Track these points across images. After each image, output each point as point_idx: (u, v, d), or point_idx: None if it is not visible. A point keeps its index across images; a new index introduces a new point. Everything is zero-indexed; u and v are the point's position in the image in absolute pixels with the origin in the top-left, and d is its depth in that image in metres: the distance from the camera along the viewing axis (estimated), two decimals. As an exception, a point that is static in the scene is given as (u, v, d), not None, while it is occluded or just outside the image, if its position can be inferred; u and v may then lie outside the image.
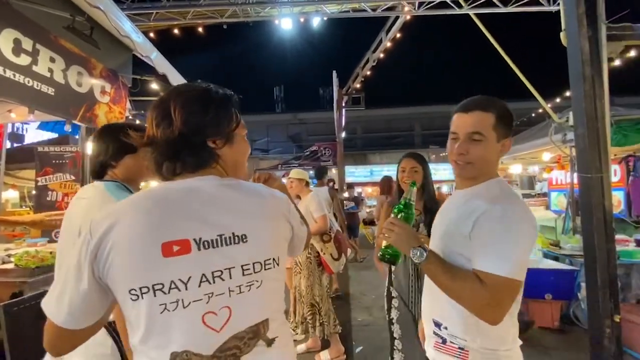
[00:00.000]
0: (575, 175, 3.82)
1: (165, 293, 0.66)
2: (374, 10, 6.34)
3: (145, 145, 0.77)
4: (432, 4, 6.13)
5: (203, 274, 0.68)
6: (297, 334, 2.95)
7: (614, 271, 1.87)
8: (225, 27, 6.76)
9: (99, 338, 1.06)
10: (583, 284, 2.90)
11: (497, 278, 0.88)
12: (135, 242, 0.67)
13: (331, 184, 9.44)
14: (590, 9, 1.86)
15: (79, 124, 2.74)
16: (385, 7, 6.33)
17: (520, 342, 1.03)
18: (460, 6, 6.08)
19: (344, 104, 9.61)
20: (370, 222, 10.10)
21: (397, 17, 6.57)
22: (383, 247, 1.09)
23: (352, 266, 6.41)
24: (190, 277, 0.67)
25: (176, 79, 3.35)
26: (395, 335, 1.94)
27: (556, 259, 3.64)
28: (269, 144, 19.07)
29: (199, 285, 0.68)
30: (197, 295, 0.68)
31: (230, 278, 0.70)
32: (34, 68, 2.13)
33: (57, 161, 3.43)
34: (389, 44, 7.23)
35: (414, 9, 6.18)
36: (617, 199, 4.14)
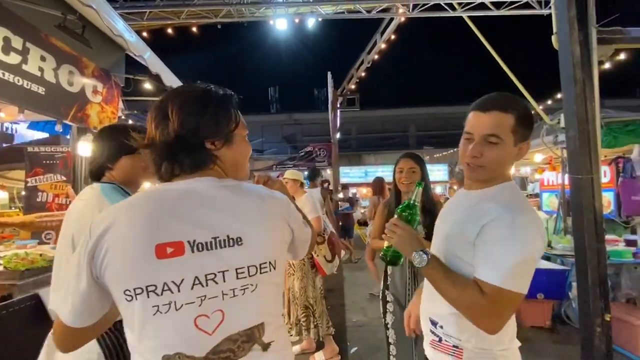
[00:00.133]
0: (566, 176, 3.87)
1: (158, 295, 0.66)
2: (368, 11, 6.37)
3: (145, 147, 0.76)
4: (426, 7, 6.17)
5: (196, 277, 0.68)
6: (291, 335, 2.94)
7: (604, 271, 1.90)
8: (219, 27, 6.73)
9: (87, 344, 1.06)
10: (574, 284, 2.94)
11: (497, 289, 0.85)
12: (130, 243, 0.67)
13: (326, 184, 9.46)
14: (581, 12, 1.89)
15: (70, 124, 2.70)
16: (380, 8, 6.35)
17: (518, 343, 1.01)
18: (453, 9, 6.13)
19: (338, 105, 9.63)
20: (364, 223, 10.11)
21: (391, 19, 6.60)
22: (385, 248, 1.08)
23: (346, 267, 6.41)
24: (183, 280, 0.67)
25: (170, 79, 3.32)
26: (390, 340, 1.91)
27: (548, 258, 3.68)
28: (263, 144, 19.02)
29: (192, 288, 0.67)
30: (189, 298, 0.67)
31: (224, 281, 0.69)
32: (24, 67, 2.09)
33: (48, 162, 3.37)
34: (383, 46, 7.26)
35: (408, 11, 6.21)
36: (607, 199, 4.21)
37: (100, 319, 0.73)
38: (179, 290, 0.67)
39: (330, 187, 9.39)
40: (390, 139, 19.18)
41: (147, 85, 3.75)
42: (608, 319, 1.90)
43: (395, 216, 1.05)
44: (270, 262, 0.75)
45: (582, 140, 1.87)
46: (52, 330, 1.15)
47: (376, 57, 7.69)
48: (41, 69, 2.23)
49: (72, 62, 2.50)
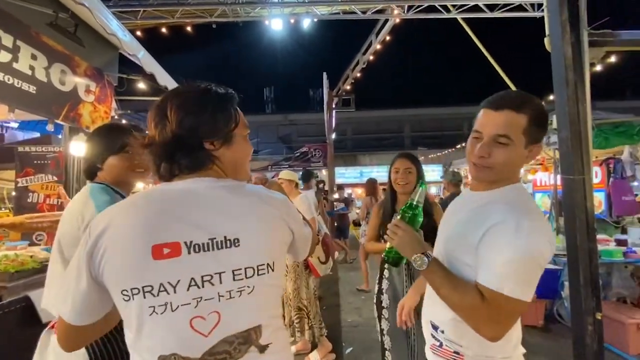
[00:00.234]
0: (558, 176, 3.92)
1: (154, 295, 0.66)
2: (363, 12, 6.38)
3: (145, 147, 0.76)
4: (421, 8, 6.21)
5: (192, 278, 0.68)
6: (286, 336, 2.94)
7: (595, 270, 1.93)
8: (214, 26, 6.69)
9: None
10: (566, 283, 2.98)
11: (497, 295, 0.82)
12: (127, 244, 0.67)
13: (321, 185, 9.46)
14: (573, 15, 1.91)
15: (62, 123, 2.66)
16: (375, 10, 6.37)
17: (523, 350, 0.98)
18: (448, 10, 6.18)
19: (334, 106, 9.64)
20: (359, 224, 10.14)
21: (386, 20, 6.63)
22: (387, 249, 1.07)
23: (341, 267, 6.42)
24: (179, 281, 0.67)
25: (164, 78, 3.29)
26: (385, 346, 1.85)
27: (541, 258, 3.71)
28: (258, 144, 18.94)
29: (188, 289, 0.67)
30: (185, 299, 0.67)
31: (221, 283, 0.69)
32: (15, 65, 2.06)
33: (39, 162, 3.32)
34: (378, 47, 7.28)
35: (403, 12, 6.24)
36: (598, 199, 4.27)
37: (103, 317, 0.73)
38: (175, 291, 0.67)
39: (326, 188, 9.39)
40: (385, 139, 19.23)
41: (141, 85, 3.71)
42: (599, 318, 1.92)
43: (398, 217, 1.03)
44: (268, 264, 0.74)
45: (574, 141, 1.89)
46: (44, 331, 1.16)
47: (371, 58, 7.71)
48: (32, 68, 2.19)
49: (64, 60, 2.46)
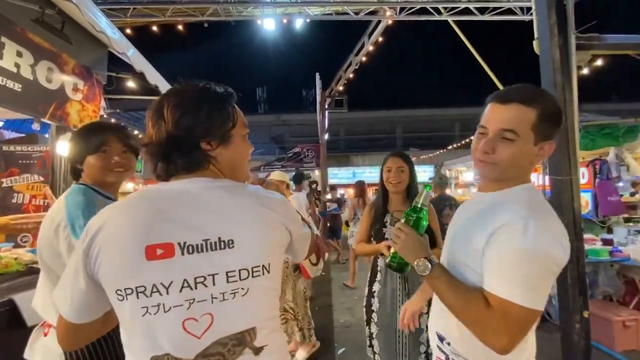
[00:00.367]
0: (546, 177, 3.99)
1: (147, 296, 0.66)
2: (356, 13, 6.41)
3: (143, 146, 0.76)
4: (413, 10, 6.26)
5: (185, 279, 0.67)
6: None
7: (582, 269, 1.97)
8: (206, 25, 6.64)
9: (54, 350, 1.11)
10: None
11: (504, 302, 0.76)
12: (121, 243, 0.67)
13: (314, 185, 9.45)
14: (561, 19, 1.95)
15: (48, 122, 2.60)
16: (368, 11, 6.40)
17: None
18: (440, 13, 6.24)
19: (327, 106, 9.65)
20: (352, 224, 10.16)
21: (379, 22, 6.67)
22: (391, 254, 1.03)
23: (334, 267, 6.42)
24: (172, 282, 0.66)
25: (154, 77, 3.24)
26: (375, 349, 1.80)
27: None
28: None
29: (180, 291, 0.67)
30: (178, 301, 0.67)
31: (214, 284, 0.68)
32: (-1, 62, 2.01)
33: (24, 161, 3.23)
34: (371, 48, 7.32)
35: (395, 14, 6.29)
36: (585, 200, 4.35)
37: (102, 316, 0.73)
38: (167, 293, 0.66)
39: (319, 188, 9.39)
40: (378, 140, 19.33)
41: (131, 84, 3.66)
42: (587, 316, 1.96)
43: (402, 220, 1.00)
44: (263, 266, 0.72)
45: (561, 142, 1.93)
46: (38, 326, 1.18)
47: (364, 59, 7.75)
48: (17, 65, 2.14)
49: (51, 58, 2.41)
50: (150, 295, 0.65)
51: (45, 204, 3.03)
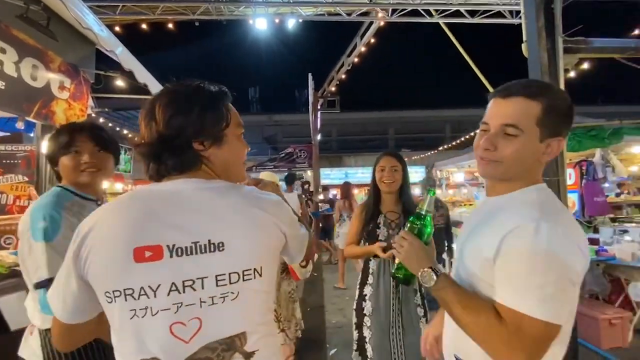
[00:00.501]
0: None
1: (135, 299, 0.65)
2: (348, 14, 6.42)
3: (135, 146, 0.75)
4: (404, 12, 6.31)
5: (173, 283, 0.65)
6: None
7: (569, 268, 1.99)
8: (197, 24, 6.57)
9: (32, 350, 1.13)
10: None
11: (517, 315, 0.69)
12: (109, 245, 0.66)
13: (306, 186, 9.44)
14: (549, 22, 1.99)
15: (33, 121, 2.54)
16: (360, 12, 6.43)
17: None
18: (431, 15, 6.31)
19: (319, 107, 9.65)
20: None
21: (371, 23, 6.70)
22: (396, 265, 0.97)
23: (326, 268, 6.41)
24: (159, 285, 0.65)
25: (143, 75, 3.19)
26: (367, 354, 1.73)
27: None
28: (243, 145, 18.73)
29: (168, 294, 0.65)
30: (165, 304, 0.65)
31: (203, 288, 0.67)
32: (-19, 59, 1.95)
33: (8, 161, 3.15)
34: (363, 49, 7.35)
35: (388, 15, 6.33)
36: (572, 200, 4.44)
37: (96, 317, 0.73)
38: (155, 296, 0.65)
39: (311, 189, 9.38)
40: (370, 141, 19.42)
41: (119, 82, 3.58)
42: (573, 314, 1.99)
43: (406, 228, 0.94)
44: (255, 269, 0.70)
45: (549, 144, 1.96)
46: (29, 325, 1.18)
47: (356, 60, 7.77)
48: (1, 62, 2.08)
49: (36, 55, 2.34)
50: (138, 298, 0.65)
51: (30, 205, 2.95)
